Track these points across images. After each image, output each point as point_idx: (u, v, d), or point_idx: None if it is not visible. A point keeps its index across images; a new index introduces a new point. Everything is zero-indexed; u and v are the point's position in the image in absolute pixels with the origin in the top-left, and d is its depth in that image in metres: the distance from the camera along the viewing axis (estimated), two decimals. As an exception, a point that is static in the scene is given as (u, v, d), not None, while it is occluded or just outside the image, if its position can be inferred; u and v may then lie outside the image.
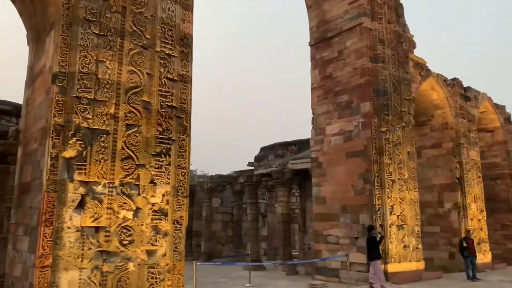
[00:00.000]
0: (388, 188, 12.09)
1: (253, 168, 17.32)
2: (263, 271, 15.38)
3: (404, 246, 12.21)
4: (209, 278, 13.48)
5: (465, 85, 17.11)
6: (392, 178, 12.31)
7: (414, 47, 14.55)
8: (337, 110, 13.34)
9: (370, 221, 11.75)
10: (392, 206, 12.14)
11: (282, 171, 15.16)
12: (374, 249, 10.25)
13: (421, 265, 12.65)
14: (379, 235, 10.94)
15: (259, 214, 22.55)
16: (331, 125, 13.46)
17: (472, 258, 12.34)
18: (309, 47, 14.67)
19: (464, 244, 12.57)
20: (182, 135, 7.81)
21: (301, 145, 16.18)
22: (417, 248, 12.61)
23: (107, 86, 6.96)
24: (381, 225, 11.70)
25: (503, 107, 19.75)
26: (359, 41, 12.94)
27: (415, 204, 12.93)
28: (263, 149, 17.40)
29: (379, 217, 11.76)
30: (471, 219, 15.48)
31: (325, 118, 13.69)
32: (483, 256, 15.65)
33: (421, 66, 14.75)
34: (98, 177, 6.64)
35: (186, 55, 8.16)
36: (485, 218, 16.39)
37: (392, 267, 11.57)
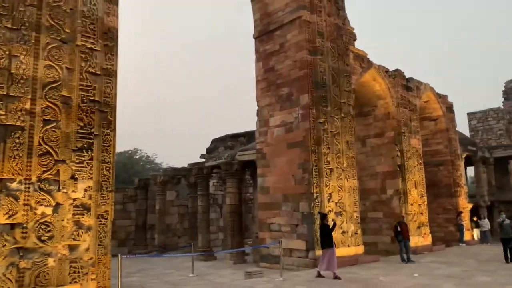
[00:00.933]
0: (326, 176, 12.52)
1: (205, 160, 17.42)
2: (213, 261, 15.63)
3: (343, 232, 12.73)
4: (156, 270, 13.59)
5: (408, 76, 17.83)
6: (330, 167, 12.75)
7: (355, 40, 14.99)
8: (279, 102, 13.62)
9: (308, 209, 12.18)
10: (330, 193, 12.60)
11: (230, 163, 15.36)
12: (326, 236, 10.33)
13: (360, 249, 13.24)
14: (332, 222, 11.09)
15: (217, 205, 22.75)
16: (274, 117, 13.74)
17: (406, 242, 13.01)
18: (254, 39, 14.85)
19: (398, 229, 13.22)
20: (106, 129, 7.82)
21: (250, 136, 16.40)
22: (356, 233, 13.17)
23: (22, 81, 6.86)
24: (319, 212, 12.11)
25: (445, 96, 20.69)
26: (299, 34, 13.21)
27: (354, 192, 13.45)
28: (214, 141, 17.51)
29: (317, 204, 12.18)
30: (412, 204, 16.26)
31: (269, 110, 13.95)
32: (423, 239, 16.54)
33: (361, 58, 15.23)
34: (13, 173, 6.58)
35: (111, 48, 8.13)
36: (426, 203, 17.24)
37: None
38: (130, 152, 59.19)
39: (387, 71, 16.59)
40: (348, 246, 12.79)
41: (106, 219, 7.61)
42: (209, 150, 17.42)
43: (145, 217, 20.65)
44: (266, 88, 14.16)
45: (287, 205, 12.85)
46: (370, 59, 15.69)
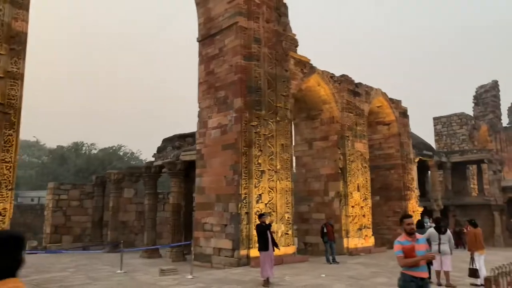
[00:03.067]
0: (256, 178, 12.92)
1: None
2: (157, 259, 16.01)
3: (272, 232, 13.12)
4: (93, 266, 13.95)
5: (365, 82, 18.31)
6: (261, 169, 13.15)
7: (296, 46, 15.39)
8: (217, 105, 14.00)
9: (236, 209, 12.58)
10: (260, 195, 13.00)
11: (174, 163, 15.72)
12: (260, 238, 9.45)
13: (290, 249, 13.66)
14: (267, 222, 9.96)
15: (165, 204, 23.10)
16: (212, 119, 14.12)
17: (331, 243, 13.46)
18: (198, 43, 15.21)
19: (325, 230, 13.66)
20: (9, 130, 8.14)
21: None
22: (286, 234, 13.59)
23: None
24: (246, 213, 12.54)
25: (399, 101, 21.17)
26: (235, 40, 13.59)
27: (287, 193, 13.87)
28: (164, 140, 17.86)
29: (245, 205, 12.58)
30: (353, 207, 16.72)
31: (208, 112, 14.33)
32: (364, 241, 17.01)
33: (303, 63, 15.64)
34: None
35: (18, 52, 8.44)
36: (369, 205, 17.71)
37: (255, 252, 12.40)
38: (113, 148, 59.38)
39: (332, 76, 17.02)
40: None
41: (4, 216, 7.94)
42: (159, 150, 17.78)
43: (102, 213, 20.98)
44: (206, 90, 14.53)
45: (219, 206, 13.24)
46: (314, 65, 16.11)
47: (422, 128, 48.58)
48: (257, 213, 11.59)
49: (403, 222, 4.90)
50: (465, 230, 18.41)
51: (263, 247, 9.23)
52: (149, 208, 16.98)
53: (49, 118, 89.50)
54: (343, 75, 17.62)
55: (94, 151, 62.04)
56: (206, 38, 14.81)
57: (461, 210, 23.97)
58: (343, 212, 16.39)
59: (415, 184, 21.16)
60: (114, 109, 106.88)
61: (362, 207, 17.23)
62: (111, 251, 18.13)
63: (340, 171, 16.78)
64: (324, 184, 17.18)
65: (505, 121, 41.75)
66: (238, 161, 12.80)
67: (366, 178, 17.85)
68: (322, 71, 16.54)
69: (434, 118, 30.54)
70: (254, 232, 12.51)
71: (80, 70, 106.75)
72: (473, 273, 8.67)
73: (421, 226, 9.92)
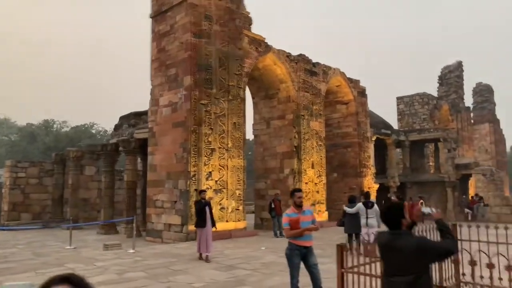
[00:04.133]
0: (205, 156, 13.14)
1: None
2: (115, 235, 16.21)
3: (222, 208, 13.49)
4: (44, 243, 14.05)
5: (325, 62, 18.51)
6: (211, 147, 13.37)
7: (250, 24, 15.40)
8: (168, 83, 14.00)
9: (185, 186, 12.82)
10: (210, 172, 13.26)
11: (128, 140, 15.74)
12: (199, 215, 9.39)
13: (241, 224, 14.08)
14: (204, 201, 9.68)
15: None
16: (163, 97, 14.14)
17: (279, 217, 13.91)
18: (150, 19, 15.03)
19: (272, 205, 14.11)
20: None
21: (155, 115, 16.72)
22: (237, 209, 13.97)
23: None
24: (196, 190, 12.78)
25: (358, 81, 21.56)
26: (185, 17, 13.50)
27: (238, 170, 14.17)
28: (121, 118, 17.74)
29: (194, 182, 12.83)
30: (306, 183, 17.22)
31: (159, 89, 14.32)
32: (318, 216, 17.58)
33: (258, 42, 15.69)
34: None
35: None
36: (324, 182, 18.26)
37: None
38: (86, 126, 58.42)
39: (288, 55, 17.16)
40: (227, 221, 13.58)
41: None
42: (116, 127, 17.71)
43: (62, 191, 20.90)
44: (158, 68, 14.48)
45: (170, 183, 13.44)
46: (269, 44, 16.18)
47: (388, 108, 49.64)
48: (203, 189, 11.55)
49: (294, 195, 5.23)
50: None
51: (200, 223, 9.24)
52: (106, 186, 17.04)
53: (21, 95, 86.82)
54: (300, 55, 17.79)
55: (66, 129, 60.89)
56: (158, 14, 14.65)
57: (418, 186, 24.93)
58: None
59: (371, 161, 21.84)
60: (93, 83, 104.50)
61: (316, 183, 17.76)
62: (56, 226, 18.20)
63: (295, 149, 17.16)
64: (280, 161, 17.57)
65: (470, 101, 43.18)
66: (187, 139, 12.95)
67: (321, 156, 18.32)
68: (278, 50, 16.65)
69: (397, 98, 31.23)
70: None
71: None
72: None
73: (352, 201, 10.39)
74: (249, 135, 19.47)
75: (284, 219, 5.17)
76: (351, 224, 9.95)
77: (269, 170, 17.91)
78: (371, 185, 21.45)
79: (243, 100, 14.75)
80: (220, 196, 13.45)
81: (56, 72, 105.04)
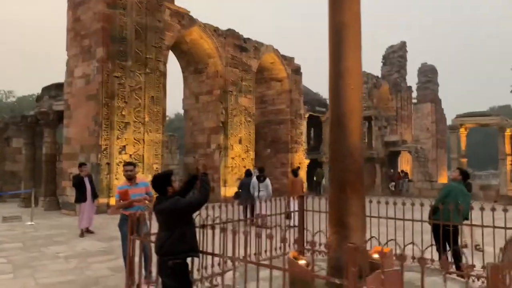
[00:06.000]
0: (118, 130, 13.08)
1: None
2: (30, 208, 15.94)
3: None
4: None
5: (256, 38, 18.53)
6: (125, 121, 13.30)
7: (173, -4, 15.14)
8: (82, 54, 13.65)
9: (96, 159, 12.77)
10: (124, 146, 13.24)
11: (46, 113, 15.32)
12: (77, 190, 9.34)
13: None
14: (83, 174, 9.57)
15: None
16: (77, 68, 13.79)
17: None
18: (66, -14, 14.43)
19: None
20: None
21: (78, 87, 16.30)
22: (154, 183, 14.08)
23: None
24: (107, 163, 12.79)
25: (292, 59, 21.85)
26: (99, -14, 13.08)
27: (156, 144, 14.22)
28: (43, 89, 17.12)
29: (105, 156, 12.80)
30: (233, 158, 17.57)
31: (74, 61, 13.95)
32: (244, 190, 18.10)
33: (181, 15, 15.49)
34: None
35: None
36: (252, 157, 18.66)
37: (110, 200, 12.67)
38: (33, 96, 56.02)
39: (216, 30, 17.08)
40: (143, 195, 13.69)
41: None
42: (37, 99, 17.13)
43: (-14, 164, 20.13)
44: (73, 38, 14.03)
45: (83, 156, 13.30)
46: (194, 17, 16.02)
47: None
48: (82, 162, 10.68)
49: (123, 169, 5.45)
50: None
51: (79, 198, 9.22)
52: (26, 159, 16.63)
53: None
54: (229, 29, 17.74)
55: (12, 99, 57.89)
56: (73, -19, 14.08)
57: (351, 162, 25.98)
58: (222, 163, 17.20)
59: (303, 138, 22.49)
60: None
61: (243, 158, 18.14)
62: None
63: (221, 125, 17.37)
64: (207, 136, 17.75)
65: (415, 80, 44.77)
66: (99, 112, 12.81)
67: (250, 132, 18.65)
68: (204, 24, 16.53)
69: (340, 76, 31.94)
70: (116, 182, 12.92)
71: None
72: (287, 215, 9.74)
73: (249, 175, 10.81)
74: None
75: (116, 192, 5.39)
76: (246, 197, 10.37)
77: (197, 145, 18.08)
78: (302, 160, 22.16)
79: (163, 73, 14.64)
80: (136, 170, 13.46)
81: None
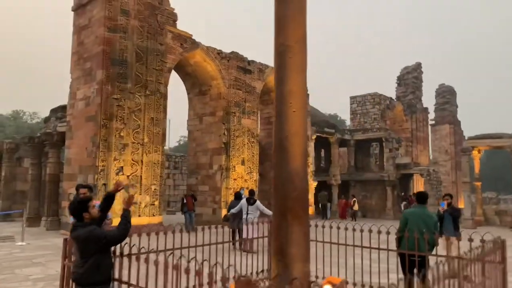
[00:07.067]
0: (116, 151, 13.19)
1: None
2: (33, 228, 16.15)
3: (134, 203, 13.57)
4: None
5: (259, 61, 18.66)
6: (124, 142, 13.42)
7: (175, 20, 15.44)
8: (84, 76, 13.98)
9: (93, 180, 12.86)
10: (121, 167, 13.32)
11: (51, 134, 15.67)
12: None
13: (156, 219, 14.18)
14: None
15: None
16: (79, 90, 14.11)
17: (190, 213, 14.12)
18: (72, 12, 14.95)
19: (184, 201, 14.28)
20: None
21: (84, 108, 16.67)
22: (152, 204, 14.08)
23: None
24: (104, 184, 12.86)
25: (299, 80, 21.78)
26: (101, 11, 13.47)
27: (155, 165, 14.26)
28: (51, 111, 17.65)
29: (102, 177, 12.88)
30: (235, 179, 17.42)
31: (77, 83, 14.29)
32: (246, 212, 17.84)
33: (184, 38, 15.75)
34: None
35: None
36: (255, 178, 18.47)
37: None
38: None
39: (219, 52, 17.27)
40: (140, 216, 13.69)
41: None
42: (45, 120, 17.60)
43: (-4, 183, 20.63)
44: (77, 61, 14.43)
45: (81, 177, 13.45)
46: (197, 40, 16.26)
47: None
48: (80, 183, 11.23)
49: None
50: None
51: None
52: (32, 178, 16.96)
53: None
54: (232, 52, 17.91)
55: (36, 120, 59.89)
56: (79, 8, 14.57)
57: (361, 185, 25.42)
58: (224, 185, 17.08)
59: (310, 159, 22.15)
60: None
61: (246, 180, 17.97)
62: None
63: (223, 146, 17.33)
64: (210, 157, 17.73)
65: (432, 102, 43.94)
66: (97, 133, 12.98)
67: (254, 153, 18.53)
68: (207, 47, 16.75)
69: (351, 97, 31.70)
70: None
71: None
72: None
73: (238, 197, 10.61)
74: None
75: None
76: (235, 220, 10.17)
77: (200, 166, 18.06)
78: (309, 182, 21.79)
79: (164, 95, 14.81)
80: (133, 191, 13.52)
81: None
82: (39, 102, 75.85)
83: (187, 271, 2.96)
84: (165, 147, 16.08)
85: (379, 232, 4.69)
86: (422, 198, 5.74)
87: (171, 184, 28.44)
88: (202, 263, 2.79)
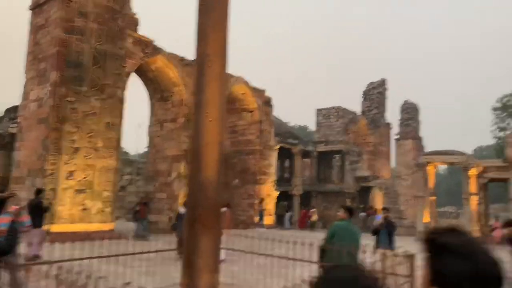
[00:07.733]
0: (67, 154, 12.85)
1: None
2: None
3: (84, 209, 13.22)
4: None
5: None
6: (76, 146, 13.09)
7: (137, 25, 15.34)
8: (38, 77, 13.61)
9: (41, 184, 12.44)
10: (72, 171, 12.97)
11: (1, 135, 15.13)
12: (37, 215, 9.02)
13: (107, 226, 13.82)
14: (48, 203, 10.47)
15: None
16: (33, 91, 13.72)
17: (142, 220, 13.91)
18: (30, 11, 14.58)
19: (137, 209, 14.08)
20: None
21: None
22: (103, 211, 13.74)
23: None
24: (52, 189, 12.47)
25: (263, 91, 22.04)
26: (58, 11, 13.21)
27: (109, 171, 13.96)
28: (5, 111, 17.08)
29: (51, 181, 12.49)
30: (193, 188, 17.26)
31: (31, 83, 13.89)
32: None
33: (145, 43, 15.64)
34: None
35: None
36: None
37: (59, 228, 12.36)
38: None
39: (182, 59, 17.24)
40: (90, 222, 13.32)
41: None
42: (0, 120, 16.96)
43: None
44: (32, 61, 14.04)
45: (29, 180, 13.01)
46: (159, 46, 16.17)
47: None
48: (41, 188, 10.55)
49: None
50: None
51: (39, 223, 8.99)
52: (-20, 181, 16.25)
53: None
54: (194, 60, 17.87)
55: None
56: (36, 7, 14.24)
57: (323, 196, 25.79)
58: (181, 192, 16.90)
59: (272, 169, 22.33)
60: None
61: (205, 188, 17.83)
62: None
63: (184, 153, 17.20)
64: (169, 164, 17.55)
65: (398, 117, 45.23)
66: (48, 136, 12.63)
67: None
68: (169, 53, 16.68)
69: (317, 110, 32.23)
70: (61, 208, 12.62)
71: None
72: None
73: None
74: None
75: None
76: (182, 228, 10.05)
77: (158, 173, 17.84)
78: (270, 192, 21.94)
79: (121, 100, 14.59)
80: (82, 196, 13.18)
81: None
82: None
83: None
84: (132, 153, 15.81)
85: (309, 244, 4.79)
86: (351, 212, 5.84)
87: (133, 191, 27.92)
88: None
